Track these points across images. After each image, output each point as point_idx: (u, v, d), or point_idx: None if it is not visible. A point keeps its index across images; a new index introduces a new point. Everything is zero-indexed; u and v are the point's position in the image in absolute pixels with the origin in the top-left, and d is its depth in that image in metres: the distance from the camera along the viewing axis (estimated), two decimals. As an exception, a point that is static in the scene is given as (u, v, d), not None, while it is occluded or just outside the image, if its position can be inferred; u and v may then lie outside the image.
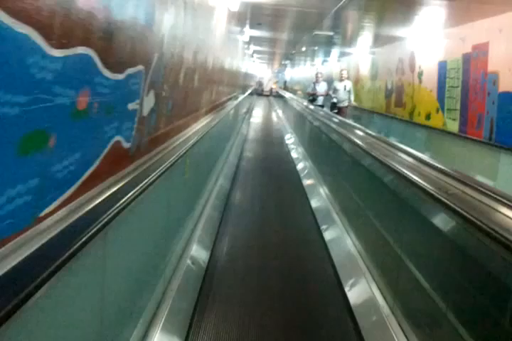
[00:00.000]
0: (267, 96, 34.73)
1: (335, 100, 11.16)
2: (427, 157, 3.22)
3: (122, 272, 2.00)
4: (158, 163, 2.56)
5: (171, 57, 2.91)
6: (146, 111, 2.43)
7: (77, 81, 1.49)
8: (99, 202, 1.65)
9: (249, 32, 9.79)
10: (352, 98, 11.06)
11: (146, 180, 2.10)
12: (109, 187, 1.81)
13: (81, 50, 1.49)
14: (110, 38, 1.76)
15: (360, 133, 5.25)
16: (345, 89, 10.87)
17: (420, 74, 7.92)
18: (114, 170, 1.98)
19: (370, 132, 5.25)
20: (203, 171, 4.94)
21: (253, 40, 11.91)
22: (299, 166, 7.86)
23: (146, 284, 2.43)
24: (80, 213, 1.51)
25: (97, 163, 1.76)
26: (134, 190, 1.89)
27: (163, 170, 2.51)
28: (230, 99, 9.38)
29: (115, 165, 1.99)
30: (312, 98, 11.66)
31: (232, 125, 9.95)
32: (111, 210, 1.60)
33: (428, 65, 7.57)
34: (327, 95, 11.48)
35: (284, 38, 11.51)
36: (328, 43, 11.94)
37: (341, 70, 11.33)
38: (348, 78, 11.07)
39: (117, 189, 1.83)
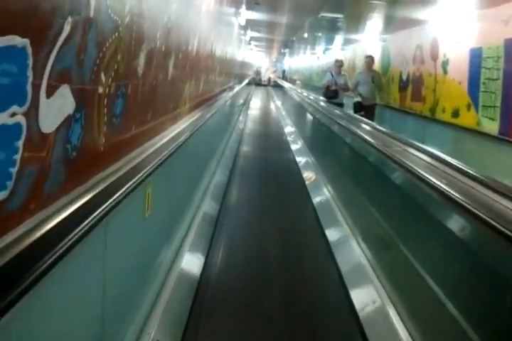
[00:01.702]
0: (265, 86, 33.55)
1: (358, 98, 9.19)
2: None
3: None
4: (85, 210, 1.50)
5: (115, 28, 1.78)
6: (50, 124, 1.32)
7: None
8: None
9: (245, 14, 8.61)
10: (381, 93, 9.41)
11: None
12: None
13: None
14: None
15: (368, 127, 4.83)
16: (373, 81, 8.99)
17: (445, 63, 6.78)
18: None
19: (378, 127, 4.81)
20: (186, 185, 3.83)
21: (250, 24, 10.73)
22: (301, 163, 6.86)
23: None
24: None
25: None
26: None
27: (95, 220, 1.47)
28: (224, 90, 8.24)
29: None
30: (331, 94, 9.20)
31: (227, 119, 8.85)
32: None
33: (456, 53, 6.43)
34: (347, 90, 9.47)
35: (284, 22, 10.30)
36: (333, 29, 10.76)
37: (367, 57, 9.38)
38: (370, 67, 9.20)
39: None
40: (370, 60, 9.27)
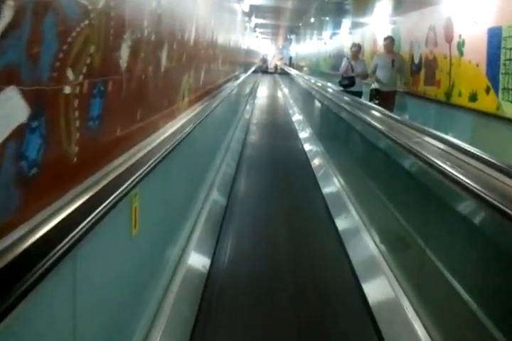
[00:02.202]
0: (272, 73, 33.11)
1: (375, 85, 8.30)
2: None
3: None
4: (51, 238, 1.24)
5: (84, 15, 1.48)
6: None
7: None
8: None
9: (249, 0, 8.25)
10: (404, 78, 8.35)
11: None
12: None
13: None
14: None
15: (377, 114, 4.54)
16: (393, 65, 8.09)
17: (461, 44, 6.40)
18: None
19: (387, 113, 4.56)
20: (185, 188, 3.55)
21: (254, 10, 10.35)
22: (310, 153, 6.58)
23: None
24: None
25: None
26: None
27: (63, 250, 1.22)
28: (229, 80, 7.92)
29: None
30: (347, 83, 8.47)
31: (232, 110, 8.55)
32: None
33: (473, 33, 6.04)
34: (365, 78, 8.64)
35: (289, 7, 9.91)
36: (340, 12, 10.37)
37: (386, 38, 8.50)
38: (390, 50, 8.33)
39: None
40: (389, 41, 8.40)
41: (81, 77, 1.50)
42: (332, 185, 5.24)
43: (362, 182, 4.49)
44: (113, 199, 1.60)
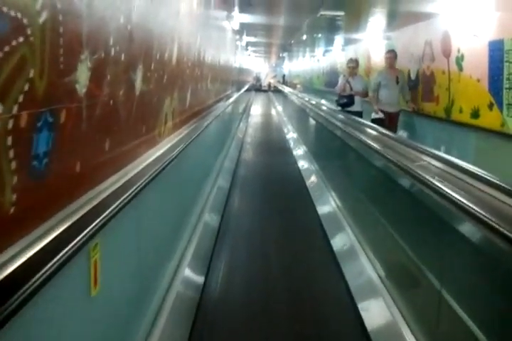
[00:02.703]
0: (266, 91, 33.01)
1: (378, 115, 7.36)
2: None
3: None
4: None
5: (17, 30, 1.18)
6: None
7: None
8: None
9: (239, 17, 8.02)
10: (407, 96, 7.53)
11: None
12: None
13: None
14: None
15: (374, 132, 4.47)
16: (397, 82, 7.34)
17: (460, 59, 6.15)
18: None
19: (385, 132, 4.47)
20: (165, 226, 3.24)
21: (245, 28, 10.14)
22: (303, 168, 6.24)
23: None
24: None
25: None
26: None
27: None
28: (220, 99, 7.65)
29: None
30: (345, 101, 7.74)
31: (224, 130, 8.27)
32: None
33: (472, 47, 5.80)
34: (366, 96, 7.84)
35: (281, 24, 9.70)
36: (332, 28, 10.16)
37: (388, 52, 7.77)
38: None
39: None
40: (392, 55, 7.54)
41: (15, 108, 1.19)
42: (327, 205, 5.06)
43: (358, 201, 4.37)
44: (65, 254, 1.30)
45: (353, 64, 8.18)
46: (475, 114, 5.79)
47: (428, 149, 3.26)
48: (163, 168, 2.72)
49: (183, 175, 3.63)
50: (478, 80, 5.63)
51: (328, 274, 3.55)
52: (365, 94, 7.81)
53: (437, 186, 2.25)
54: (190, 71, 4.11)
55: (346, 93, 7.81)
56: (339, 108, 7.72)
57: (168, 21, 3.01)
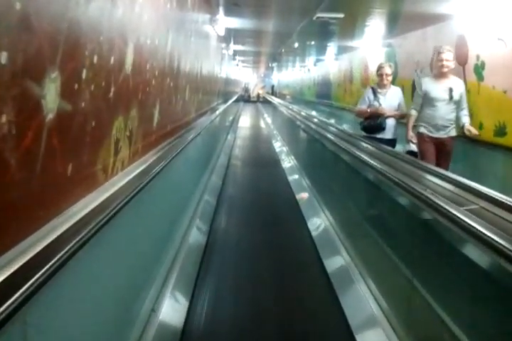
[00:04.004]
0: (255, 102, 32.25)
1: (412, 146, 5.12)
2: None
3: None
4: None
5: None
6: None
7: None
8: None
9: (224, 21, 7.15)
10: (467, 119, 4.95)
11: None
12: None
13: None
14: None
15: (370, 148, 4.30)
16: (451, 97, 4.84)
17: (479, 67, 5.30)
18: None
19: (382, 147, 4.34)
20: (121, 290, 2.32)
21: (232, 34, 9.29)
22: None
23: None
24: None
25: None
26: None
27: None
28: (203, 113, 6.76)
29: None
30: (372, 124, 5.19)
31: (208, 146, 7.38)
32: None
33: (495, 53, 4.96)
34: (402, 117, 5.29)
35: (271, 30, 8.84)
36: (325, 36, 9.36)
37: (440, 51, 4.86)
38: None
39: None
40: (448, 57, 4.85)
41: None
42: (319, 222, 4.77)
43: (351, 217, 4.24)
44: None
45: (386, 71, 5.23)
46: (500, 132, 4.93)
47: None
48: (109, 218, 1.86)
49: (142, 226, 2.70)
50: (505, 92, 4.79)
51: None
52: (401, 115, 5.28)
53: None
54: (158, 81, 3.20)
55: (374, 113, 5.19)
56: (364, 133, 5.36)
57: (115, 13, 2.11)
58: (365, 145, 4.56)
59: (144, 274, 2.79)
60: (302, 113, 10.04)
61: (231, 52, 12.84)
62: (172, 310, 2.88)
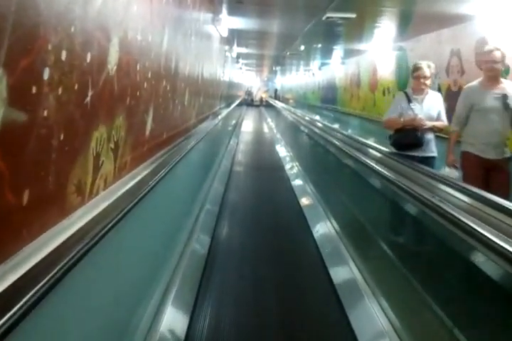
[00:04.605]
0: (258, 106, 31.88)
1: (470, 148, 4.15)
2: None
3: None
4: None
5: None
6: None
7: None
8: None
9: (227, 21, 6.77)
10: None
11: None
12: None
13: None
14: None
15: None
16: (506, 106, 3.99)
17: (503, 72, 4.91)
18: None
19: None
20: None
21: (236, 35, 8.92)
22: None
23: None
24: None
25: None
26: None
27: None
28: (204, 118, 6.38)
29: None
30: (409, 140, 4.08)
31: (209, 153, 7.00)
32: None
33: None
34: (441, 130, 4.32)
35: (275, 31, 8.46)
36: (331, 38, 8.99)
37: (488, 51, 4.08)
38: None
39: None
40: (496, 57, 3.99)
41: None
42: (324, 230, 4.59)
43: (357, 226, 4.12)
44: None
45: (424, 72, 4.15)
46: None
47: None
48: (87, 250, 1.55)
49: (130, 251, 2.29)
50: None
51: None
52: (441, 127, 4.25)
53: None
54: (152, 84, 2.80)
55: (408, 125, 4.08)
56: (393, 149, 4.25)
57: (100, 11, 1.72)
58: (375, 153, 4.26)
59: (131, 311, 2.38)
60: (306, 117, 9.69)
61: (234, 55, 12.47)
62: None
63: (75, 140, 1.64)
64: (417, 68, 4.21)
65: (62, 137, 1.51)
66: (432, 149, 4.18)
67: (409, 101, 4.16)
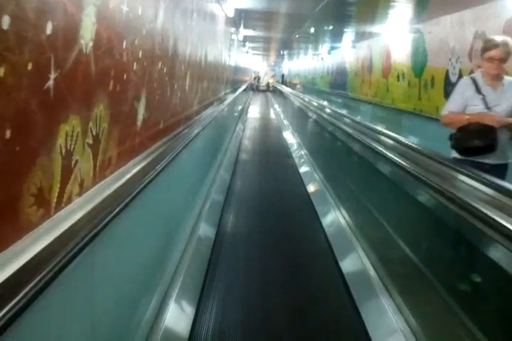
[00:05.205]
0: (264, 91, 31.38)
1: None
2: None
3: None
4: None
5: None
6: None
7: None
8: None
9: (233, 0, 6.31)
10: None
11: None
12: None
13: None
14: None
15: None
16: None
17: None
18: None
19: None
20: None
21: (242, 16, 8.46)
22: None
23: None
24: None
25: None
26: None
27: None
28: (208, 104, 5.98)
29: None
30: (480, 143, 3.06)
31: (215, 140, 6.65)
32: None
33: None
34: None
35: (283, 12, 7.97)
36: (341, 20, 8.53)
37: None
38: None
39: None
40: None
41: None
42: (332, 219, 4.46)
43: (366, 214, 3.98)
44: None
45: (499, 53, 3.13)
46: None
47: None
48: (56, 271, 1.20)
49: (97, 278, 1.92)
50: None
51: None
52: None
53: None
54: (144, 66, 2.40)
55: (477, 123, 3.12)
56: (456, 154, 3.29)
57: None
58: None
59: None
60: (314, 103, 9.29)
61: (241, 38, 12.00)
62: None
63: (31, 137, 1.25)
64: (491, 46, 3.12)
65: (8, 135, 1.12)
66: (506, 154, 3.25)
67: (478, 90, 3.19)
